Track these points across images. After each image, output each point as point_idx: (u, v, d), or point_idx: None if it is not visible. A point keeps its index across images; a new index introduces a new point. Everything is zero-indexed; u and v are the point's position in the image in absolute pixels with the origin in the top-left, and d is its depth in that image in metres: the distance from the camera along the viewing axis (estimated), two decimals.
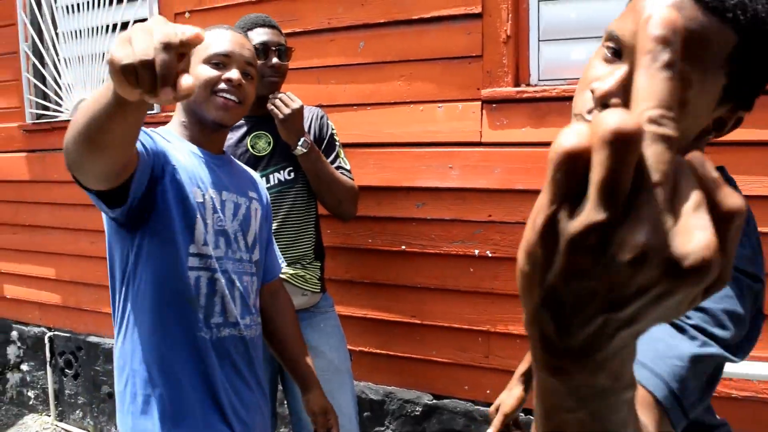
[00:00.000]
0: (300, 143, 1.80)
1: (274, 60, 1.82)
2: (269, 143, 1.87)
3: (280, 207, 1.85)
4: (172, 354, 1.23)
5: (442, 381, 2.24)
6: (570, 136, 0.26)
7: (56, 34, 3.10)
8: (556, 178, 0.26)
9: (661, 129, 0.26)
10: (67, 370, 3.28)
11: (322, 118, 1.99)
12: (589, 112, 0.69)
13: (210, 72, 1.28)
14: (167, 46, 0.67)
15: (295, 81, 2.24)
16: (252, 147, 1.85)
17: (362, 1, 2.24)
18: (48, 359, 3.33)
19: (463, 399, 2.20)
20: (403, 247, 2.23)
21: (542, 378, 0.32)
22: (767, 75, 0.69)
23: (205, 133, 1.34)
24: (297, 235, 1.90)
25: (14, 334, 3.50)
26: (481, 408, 2.16)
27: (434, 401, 2.25)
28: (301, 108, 1.79)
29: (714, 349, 0.66)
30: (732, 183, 0.83)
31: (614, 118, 0.25)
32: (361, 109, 2.27)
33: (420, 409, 2.27)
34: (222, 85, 1.28)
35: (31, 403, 3.49)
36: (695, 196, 0.26)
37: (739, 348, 0.70)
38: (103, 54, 2.91)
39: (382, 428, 2.35)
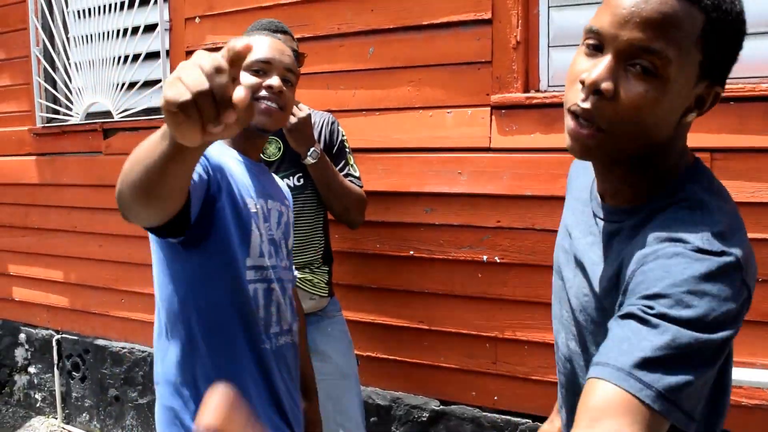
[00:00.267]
0: (310, 153, 1.81)
1: None
2: (279, 149, 1.88)
3: None
4: (240, 372, 1.21)
5: (450, 387, 2.23)
6: None
7: (67, 38, 3.13)
8: None
9: None
10: (74, 373, 3.29)
11: (332, 124, 1.99)
12: (583, 100, 0.75)
13: (250, 79, 1.26)
14: (219, 70, 0.64)
15: (305, 86, 2.24)
16: (262, 152, 1.85)
17: (372, 6, 2.25)
18: (55, 362, 3.34)
19: (471, 405, 2.19)
20: (412, 252, 2.23)
21: None
22: (735, 50, 0.78)
23: (248, 139, 1.33)
24: (306, 239, 1.91)
25: (22, 336, 3.51)
26: (489, 414, 2.15)
27: (441, 407, 2.25)
28: (308, 117, 1.79)
29: (677, 332, 0.65)
30: (725, 194, 0.83)
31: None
32: (371, 115, 2.27)
33: (427, 415, 2.26)
34: (263, 92, 1.27)
35: (38, 405, 3.50)
36: None
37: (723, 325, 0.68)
38: (114, 59, 2.93)
39: None
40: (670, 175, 0.83)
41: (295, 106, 1.78)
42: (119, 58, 2.91)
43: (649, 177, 0.84)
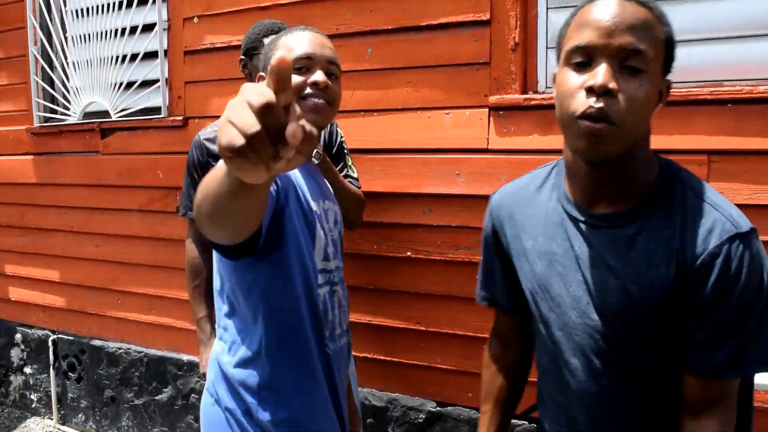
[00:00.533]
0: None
1: None
2: None
3: None
4: (308, 375, 1.21)
5: (447, 388, 2.23)
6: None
7: (65, 37, 3.12)
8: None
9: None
10: (70, 374, 3.28)
11: (331, 125, 1.99)
12: (596, 101, 0.88)
13: (295, 78, 1.20)
14: (269, 106, 0.58)
15: None
16: None
17: (371, 7, 2.25)
18: (51, 362, 3.33)
19: (467, 407, 2.19)
20: (409, 253, 2.23)
21: None
22: (673, 48, 0.96)
23: None
24: None
25: (18, 336, 3.50)
26: None
27: (438, 408, 2.24)
28: None
29: None
30: (725, 207, 0.95)
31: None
32: (369, 116, 2.27)
33: (423, 417, 2.26)
34: (309, 90, 1.22)
35: (33, 406, 3.49)
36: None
37: None
38: (111, 58, 2.92)
39: None
40: (651, 163, 1.00)
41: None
42: (117, 57, 2.90)
43: (639, 168, 0.98)
